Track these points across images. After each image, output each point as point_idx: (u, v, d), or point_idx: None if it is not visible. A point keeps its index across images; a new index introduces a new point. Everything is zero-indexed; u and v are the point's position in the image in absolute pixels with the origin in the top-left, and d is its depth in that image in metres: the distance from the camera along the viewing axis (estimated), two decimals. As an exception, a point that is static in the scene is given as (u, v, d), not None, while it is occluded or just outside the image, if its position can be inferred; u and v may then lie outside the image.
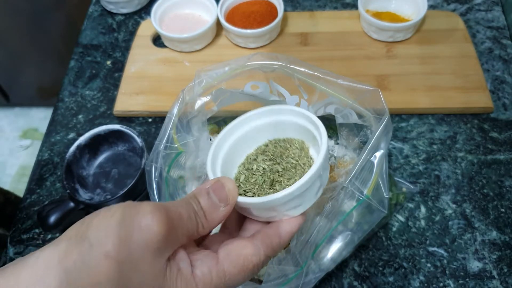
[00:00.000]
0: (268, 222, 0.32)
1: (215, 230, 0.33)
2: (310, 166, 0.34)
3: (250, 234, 0.32)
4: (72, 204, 0.51)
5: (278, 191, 0.31)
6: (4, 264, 0.54)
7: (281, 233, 0.31)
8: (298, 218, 0.32)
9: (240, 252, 0.28)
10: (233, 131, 0.38)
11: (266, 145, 0.39)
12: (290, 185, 0.31)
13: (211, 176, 0.33)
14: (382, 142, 0.41)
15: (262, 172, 0.36)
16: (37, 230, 0.56)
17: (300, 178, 0.31)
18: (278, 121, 0.38)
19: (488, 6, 0.73)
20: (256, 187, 0.34)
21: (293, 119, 0.38)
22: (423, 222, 0.53)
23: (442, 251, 0.51)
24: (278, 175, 0.35)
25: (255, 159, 0.38)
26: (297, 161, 0.36)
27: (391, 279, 0.49)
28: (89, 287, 0.23)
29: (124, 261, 0.24)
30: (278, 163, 0.36)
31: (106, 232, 0.24)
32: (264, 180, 0.35)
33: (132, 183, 0.51)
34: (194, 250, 0.29)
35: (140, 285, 0.24)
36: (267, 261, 0.30)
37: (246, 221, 0.34)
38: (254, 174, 0.36)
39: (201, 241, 0.32)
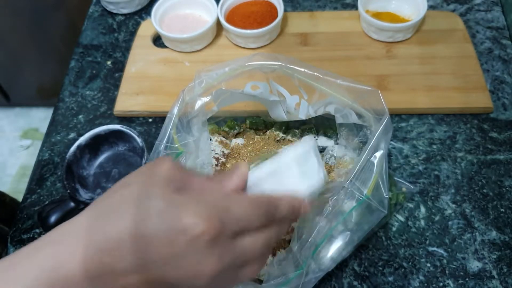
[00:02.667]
0: None
1: None
2: None
3: None
4: (72, 204, 0.51)
5: None
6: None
7: (278, 198, 0.32)
8: (300, 199, 0.34)
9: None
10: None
11: None
12: None
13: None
14: (382, 142, 0.41)
15: None
16: (37, 230, 0.56)
17: None
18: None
19: (488, 6, 0.73)
20: None
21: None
22: (423, 222, 0.53)
23: (441, 251, 0.51)
24: None
25: None
26: None
27: (391, 279, 0.50)
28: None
29: (141, 189, 0.27)
30: None
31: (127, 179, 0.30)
32: None
33: (132, 183, 0.51)
34: None
35: (152, 207, 0.27)
36: (273, 209, 0.31)
37: None
38: None
39: None
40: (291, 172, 0.33)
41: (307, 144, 0.35)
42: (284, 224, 0.32)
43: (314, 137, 0.45)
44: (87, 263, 0.26)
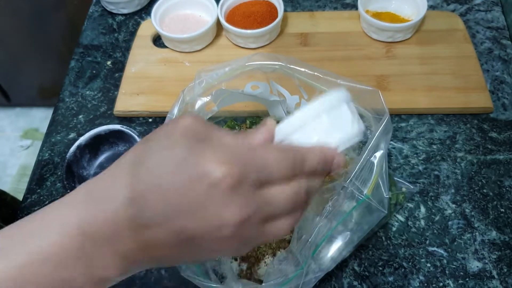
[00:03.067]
0: None
1: None
2: None
3: None
4: (72, 204, 0.51)
5: None
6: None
7: (310, 153, 0.30)
8: (334, 151, 0.32)
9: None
10: None
11: None
12: None
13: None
14: (382, 142, 0.41)
15: None
16: (37, 230, 0.56)
17: None
18: None
19: (488, 6, 0.73)
20: None
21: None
22: (422, 222, 0.53)
23: (441, 251, 0.51)
24: None
25: None
26: None
27: (391, 279, 0.50)
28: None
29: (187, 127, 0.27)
30: None
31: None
32: None
33: (132, 183, 0.51)
34: None
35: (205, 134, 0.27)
36: (300, 163, 0.29)
37: None
38: None
39: None
40: (321, 124, 0.31)
41: (337, 94, 0.32)
42: (315, 178, 0.30)
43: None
44: (114, 216, 0.25)
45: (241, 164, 0.25)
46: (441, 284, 0.49)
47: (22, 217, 0.58)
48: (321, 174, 0.30)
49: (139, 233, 0.25)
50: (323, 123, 0.31)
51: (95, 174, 0.56)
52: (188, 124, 0.27)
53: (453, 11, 0.73)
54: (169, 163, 0.25)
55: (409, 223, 0.53)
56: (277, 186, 0.27)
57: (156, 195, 0.25)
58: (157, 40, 0.73)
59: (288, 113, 0.52)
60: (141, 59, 0.70)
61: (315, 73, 0.47)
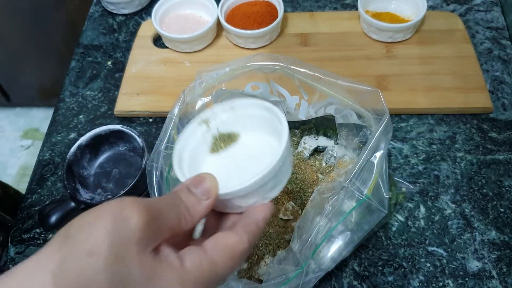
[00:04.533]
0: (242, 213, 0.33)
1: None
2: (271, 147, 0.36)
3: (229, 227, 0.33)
4: (73, 204, 0.51)
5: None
6: (5, 263, 0.54)
7: (258, 220, 0.32)
8: (269, 205, 0.33)
9: (226, 242, 0.29)
10: (194, 131, 0.38)
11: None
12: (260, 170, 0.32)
13: (181, 178, 0.33)
14: (382, 142, 0.41)
15: (229, 165, 0.37)
16: (38, 230, 0.56)
17: (268, 159, 0.32)
18: (238, 116, 0.38)
19: (488, 6, 0.73)
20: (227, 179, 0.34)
21: (252, 113, 0.38)
22: (422, 222, 0.53)
23: (441, 251, 0.51)
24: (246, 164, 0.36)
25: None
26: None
27: (390, 278, 0.50)
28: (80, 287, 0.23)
29: (109, 256, 0.24)
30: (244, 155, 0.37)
31: (88, 230, 0.24)
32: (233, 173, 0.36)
33: (132, 183, 0.51)
34: (180, 246, 0.29)
35: (129, 277, 0.24)
36: (250, 248, 0.31)
37: (223, 218, 0.34)
38: (222, 169, 0.36)
39: (184, 246, 0.32)
40: (263, 189, 0.32)
41: (285, 151, 0.32)
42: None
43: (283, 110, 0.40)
44: None
45: None
46: (441, 283, 0.49)
47: (22, 217, 0.58)
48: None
49: None
50: (267, 187, 0.32)
51: (95, 174, 0.57)
52: (137, 232, 0.25)
53: (453, 11, 0.73)
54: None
55: (409, 223, 0.53)
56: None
57: None
58: (158, 40, 0.73)
59: (288, 113, 0.52)
60: (141, 59, 0.70)
61: (316, 74, 0.47)
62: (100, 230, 0.24)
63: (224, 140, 0.38)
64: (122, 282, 0.24)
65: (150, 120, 0.65)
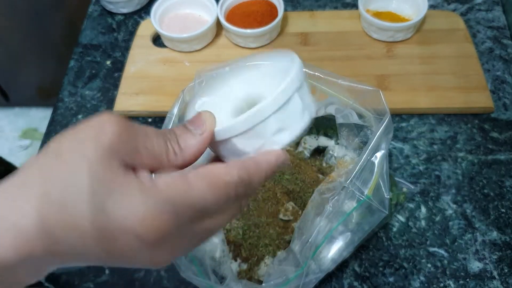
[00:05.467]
0: None
1: None
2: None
3: None
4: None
5: None
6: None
7: (259, 161, 0.28)
8: (279, 151, 0.29)
9: (210, 169, 0.26)
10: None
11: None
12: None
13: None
14: (383, 143, 0.41)
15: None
16: (36, 230, 0.56)
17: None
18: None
19: (489, 6, 0.73)
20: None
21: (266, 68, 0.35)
22: (423, 223, 0.53)
23: (442, 252, 0.51)
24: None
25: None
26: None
27: (391, 279, 0.49)
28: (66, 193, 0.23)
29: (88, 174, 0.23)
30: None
31: (69, 155, 0.24)
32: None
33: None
34: None
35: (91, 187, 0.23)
36: (242, 188, 0.26)
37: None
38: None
39: None
40: (266, 127, 0.29)
41: (291, 84, 0.29)
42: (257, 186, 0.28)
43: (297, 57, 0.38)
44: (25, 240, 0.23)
45: (171, 215, 0.23)
46: (442, 284, 0.49)
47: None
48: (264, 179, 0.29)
49: (52, 251, 0.24)
50: (269, 125, 0.29)
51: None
52: (110, 143, 0.24)
53: (454, 10, 0.73)
54: (83, 204, 0.22)
55: (410, 223, 0.53)
56: (212, 219, 0.26)
57: (71, 238, 0.23)
58: (157, 40, 0.73)
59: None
60: (140, 58, 0.69)
61: (316, 73, 0.47)
62: (82, 158, 0.23)
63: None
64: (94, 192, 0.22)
65: (150, 120, 0.64)
